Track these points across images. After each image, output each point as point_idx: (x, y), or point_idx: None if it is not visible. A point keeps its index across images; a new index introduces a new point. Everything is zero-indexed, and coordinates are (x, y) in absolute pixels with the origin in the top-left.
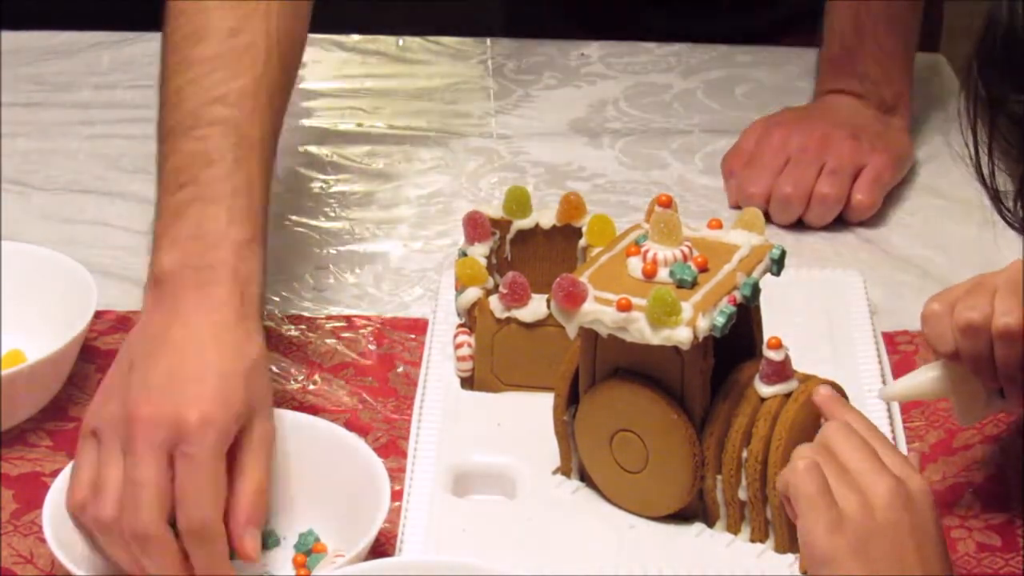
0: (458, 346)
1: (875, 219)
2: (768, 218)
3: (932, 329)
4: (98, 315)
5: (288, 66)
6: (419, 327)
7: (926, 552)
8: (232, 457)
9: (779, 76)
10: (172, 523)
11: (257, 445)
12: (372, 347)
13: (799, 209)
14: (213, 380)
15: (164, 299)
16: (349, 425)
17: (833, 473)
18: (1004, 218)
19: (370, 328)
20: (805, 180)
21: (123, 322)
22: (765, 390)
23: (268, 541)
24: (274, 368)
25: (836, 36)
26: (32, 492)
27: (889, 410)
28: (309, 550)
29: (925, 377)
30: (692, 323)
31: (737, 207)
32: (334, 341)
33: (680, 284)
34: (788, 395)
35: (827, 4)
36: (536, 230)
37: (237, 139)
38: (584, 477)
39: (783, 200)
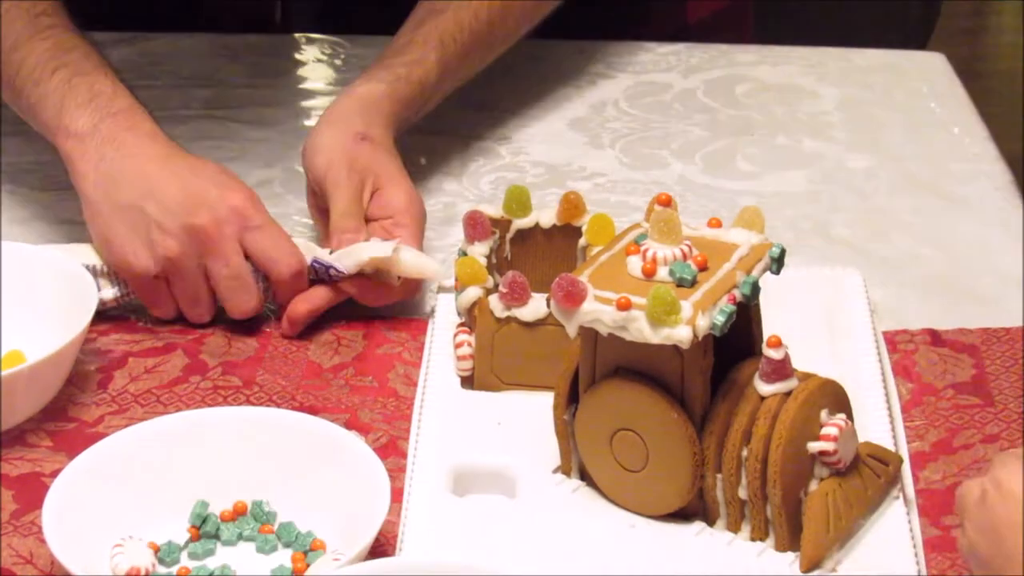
0: (458, 345)
1: (876, 219)
2: None
3: None
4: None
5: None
6: (419, 327)
7: None
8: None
9: (779, 76)
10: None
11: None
12: (372, 347)
13: None
14: (219, 173)
15: (103, 148)
16: (349, 425)
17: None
18: None
19: (370, 328)
20: None
21: (122, 322)
22: (765, 389)
23: (267, 544)
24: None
25: None
26: (32, 492)
27: (889, 410)
28: (307, 549)
29: None
30: (692, 322)
31: None
32: (334, 341)
33: (680, 283)
34: (788, 394)
35: None
36: (536, 229)
37: (73, 36)
38: (584, 476)
39: None
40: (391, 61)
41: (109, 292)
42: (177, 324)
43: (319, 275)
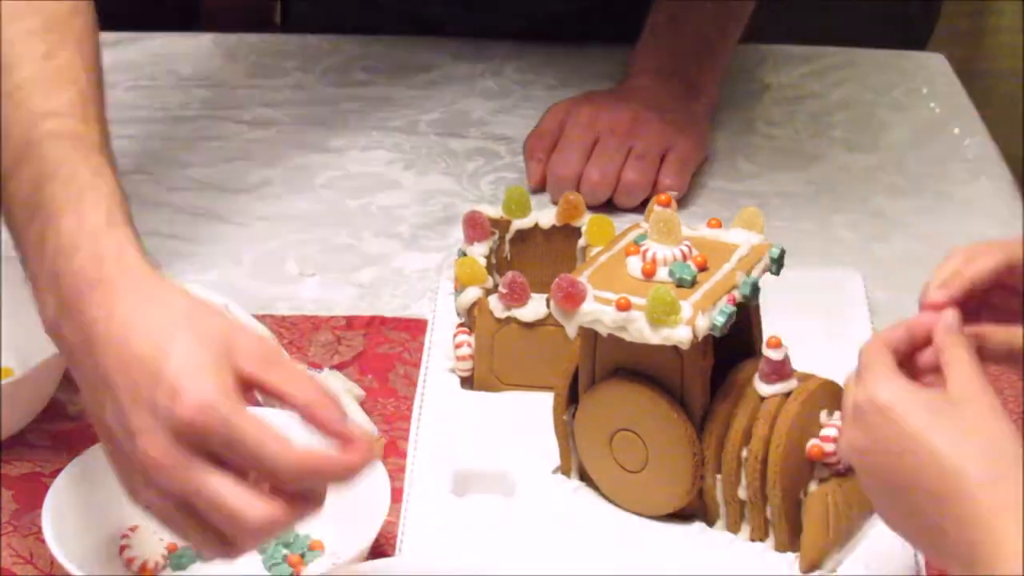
0: (458, 346)
1: (876, 219)
2: None
3: None
4: None
5: (101, 83)
6: (419, 327)
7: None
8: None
9: (779, 76)
10: None
11: (273, 368)
12: (372, 347)
13: (607, 194)
14: (181, 362)
15: (64, 324)
16: None
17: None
18: None
19: (370, 328)
20: (613, 166)
21: None
22: (765, 389)
23: (265, 545)
24: None
25: (660, 12)
26: (32, 492)
27: None
28: (306, 550)
29: None
30: (691, 322)
31: (541, 188)
32: (334, 341)
33: (679, 283)
34: (788, 394)
35: None
36: (535, 230)
37: (73, 142)
38: (584, 477)
39: (591, 186)
40: None
41: None
42: None
43: None
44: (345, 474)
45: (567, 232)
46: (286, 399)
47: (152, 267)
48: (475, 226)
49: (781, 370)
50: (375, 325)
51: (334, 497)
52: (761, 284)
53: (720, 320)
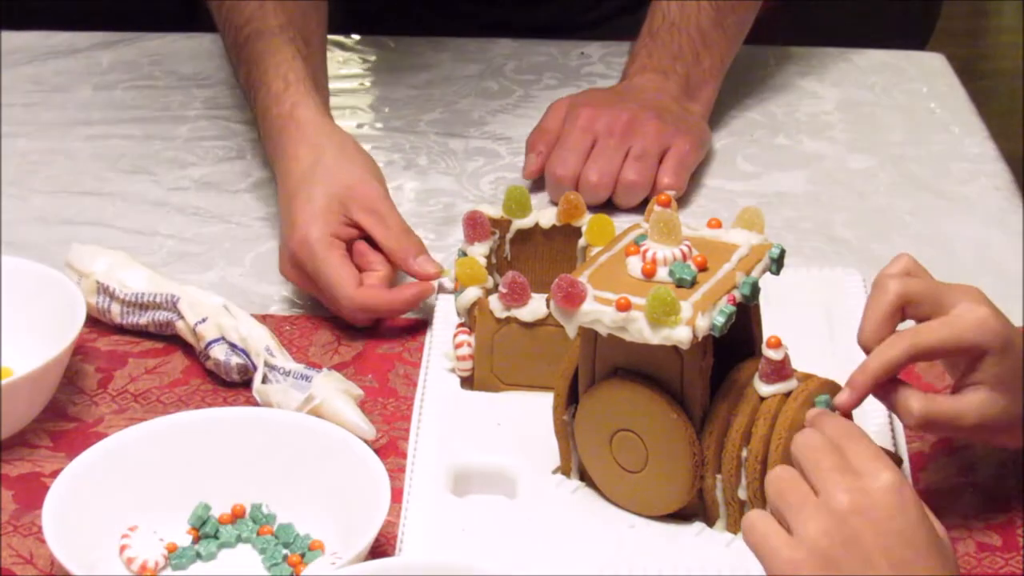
0: (458, 346)
1: (876, 219)
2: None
3: None
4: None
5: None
6: (419, 327)
7: (896, 552)
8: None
9: (779, 76)
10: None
11: (373, 217)
12: (372, 347)
13: (606, 194)
14: (302, 206)
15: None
16: None
17: (796, 496)
18: None
19: (369, 328)
20: (611, 166)
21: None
22: (764, 389)
23: (266, 546)
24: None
25: (660, 11)
26: (32, 492)
27: (890, 413)
28: (306, 550)
29: None
30: (691, 322)
31: (537, 179)
32: (334, 341)
33: (679, 283)
34: (787, 394)
35: None
36: (536, 230)
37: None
38: (584, 477)
39: (590, 187)
40: None
41: (116, 308)
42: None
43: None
44: (393, 311)
45: (567, 232)
46: (376, 240)
47: (321, 117)
48: (475, 226)
49: (781, 370)
50: (375, 325)
51: (334, 497)
52: (761, 284)
53: (720, 320)
